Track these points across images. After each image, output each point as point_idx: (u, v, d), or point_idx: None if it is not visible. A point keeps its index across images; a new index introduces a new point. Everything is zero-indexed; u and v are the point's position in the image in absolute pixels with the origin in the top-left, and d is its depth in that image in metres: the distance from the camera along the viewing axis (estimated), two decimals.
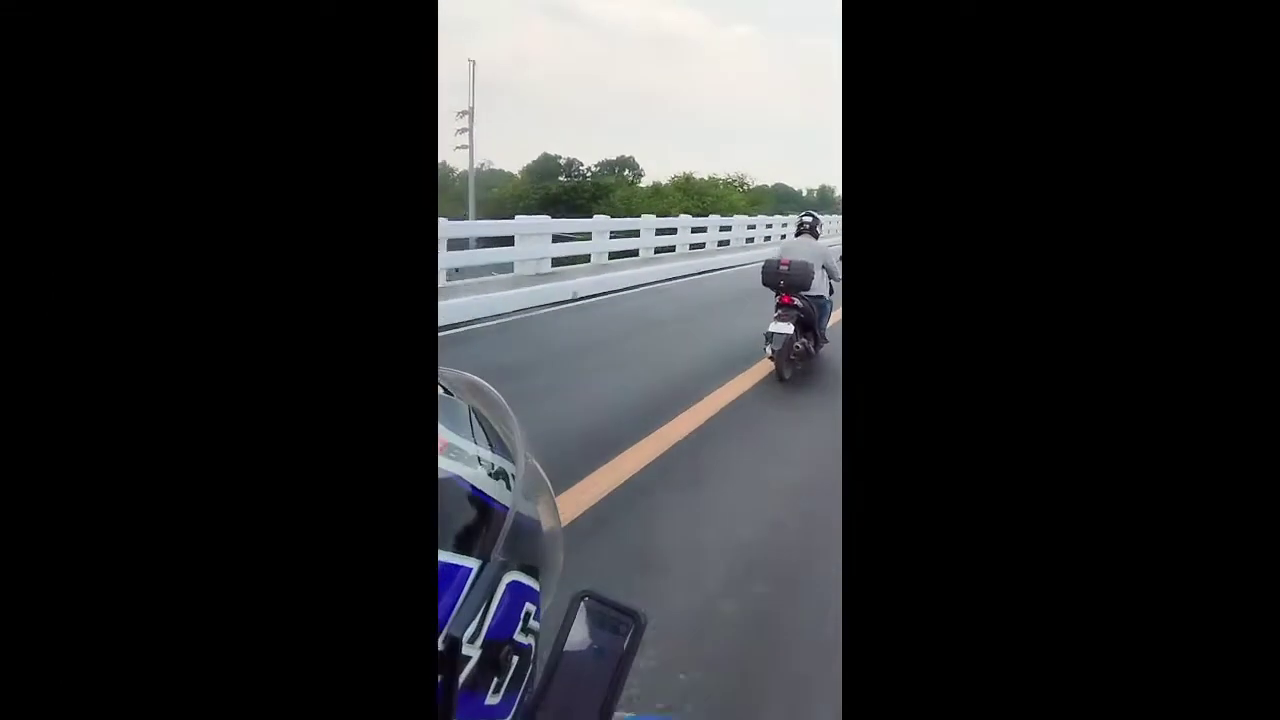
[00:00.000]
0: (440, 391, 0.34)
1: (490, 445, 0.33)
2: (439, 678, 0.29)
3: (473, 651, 0.29)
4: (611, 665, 0.37)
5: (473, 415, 0.34)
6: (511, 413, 0.37)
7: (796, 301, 4.80)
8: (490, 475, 0.32)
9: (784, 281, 4.81)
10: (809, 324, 4.91)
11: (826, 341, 5.27)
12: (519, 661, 0.32)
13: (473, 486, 0.30)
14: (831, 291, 5.17)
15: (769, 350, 4.72)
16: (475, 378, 0.37)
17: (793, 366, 4.83)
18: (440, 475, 0.30)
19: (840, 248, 5.12)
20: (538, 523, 0.35)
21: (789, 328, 4.69)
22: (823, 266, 4.99)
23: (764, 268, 4.96)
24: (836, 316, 5.51)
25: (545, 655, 0.38)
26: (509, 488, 0.32)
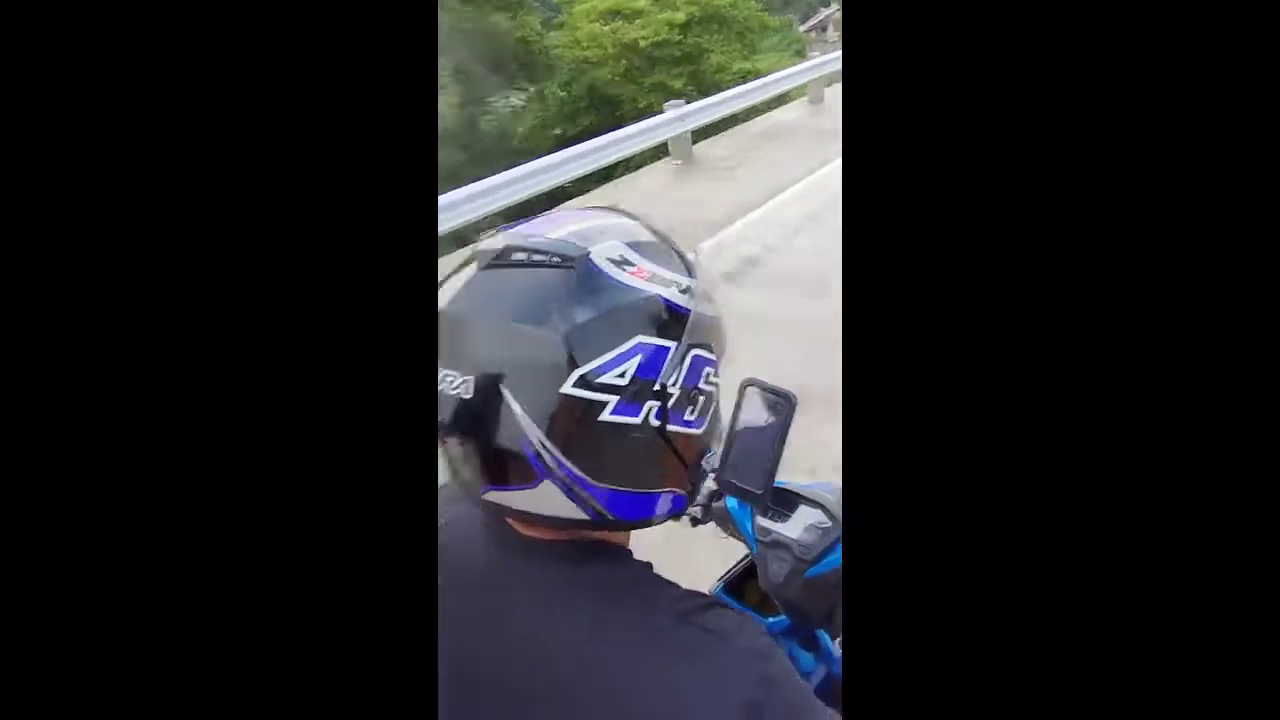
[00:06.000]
0: (651, 236, 0.51)
1: (681, 270, 0.50)
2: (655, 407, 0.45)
3: (675, 390, 0.47)
4: (772, 436, 0.50)
5: (671, 252, 0.51)
6: (689, 250, 0.53)
7: None
8: (680, 291, 0.48)
9: None
10: None
11: None
12: (704, 400, 0.49)
13: (668, 301, 0.47)
14: None
15: None
16: (663, 232, 0.53)
17: None
18: (649, 294, 0.46)
19: None
20: (712, 317, 0.51)
21: None
22: None
23: None
24: None
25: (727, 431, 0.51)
26: (692, 297, 0.49)
